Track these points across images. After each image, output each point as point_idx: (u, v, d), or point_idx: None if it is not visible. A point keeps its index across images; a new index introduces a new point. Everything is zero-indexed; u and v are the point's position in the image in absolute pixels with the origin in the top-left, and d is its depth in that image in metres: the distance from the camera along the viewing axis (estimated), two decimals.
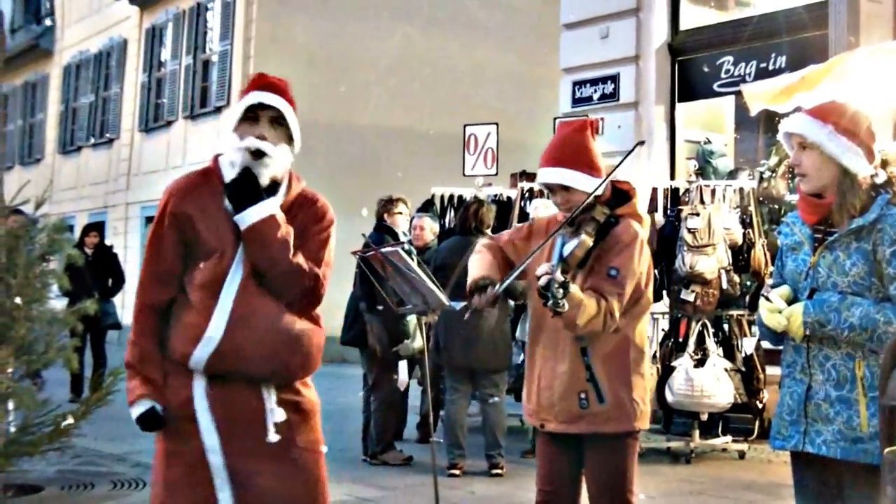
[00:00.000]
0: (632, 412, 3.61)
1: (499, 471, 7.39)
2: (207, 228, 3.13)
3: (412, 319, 7.55)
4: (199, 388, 3.11)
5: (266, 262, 3.11)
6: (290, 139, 3.22)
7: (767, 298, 3.17)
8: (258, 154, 3.12)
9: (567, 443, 3.70)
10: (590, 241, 3.56)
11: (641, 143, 4.11)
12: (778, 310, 3.13)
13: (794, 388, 3.17)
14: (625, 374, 3.61)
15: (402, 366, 7.92)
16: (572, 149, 3.71)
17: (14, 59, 25.52)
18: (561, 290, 3.28)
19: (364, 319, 7.78)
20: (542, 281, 3.31)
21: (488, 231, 7.75)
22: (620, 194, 3.76)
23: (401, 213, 8.00)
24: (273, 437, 3.10)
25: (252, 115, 3.17)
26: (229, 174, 3.17)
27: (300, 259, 3.14)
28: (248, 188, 3.12)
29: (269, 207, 3.12)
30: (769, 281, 3.26)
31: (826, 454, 3.07)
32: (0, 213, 6.08)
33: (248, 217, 3.10)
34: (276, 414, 3.12)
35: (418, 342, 7.64)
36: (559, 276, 3.30)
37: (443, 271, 7.44)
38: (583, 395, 3.58)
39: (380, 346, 7.70)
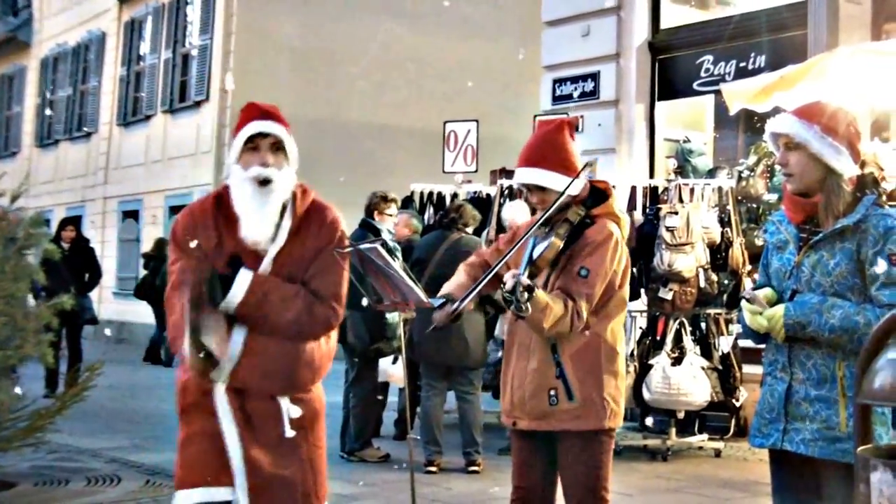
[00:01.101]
0: (602, 410, 3.62)
1: (476, 468, 7.39)
2: (218, 258, 3.29)
3: (394, 317, 7.54)
4: (220, 392, 3.27)
5: (272, 328, 3.26)
6: (288, 160, 3.36)
7: (749, 300, 3.18)
8: (265, 182, 3.26)
9: (540, 441, 3.71)
10: (559, 243, 3.58)
11: (589, 164, 4.13)
12: (759, 311, 3.14)
13: (775, 387, 3.18)
14: (596, 373, 3.62)
15: (385, 362, 7.91)
16: (549, 149, 3.71)
17: None
18: (525, 294, 3.33)
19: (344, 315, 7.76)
20: (508, 285, 3.35)
21: (467, 229, 7.76)
22: (598, 193, 3.77)
23: (391, 214, 7.98)
24: (290, 432, 3.27)
25: (252, 146, 3.30)
26: (241, 207, 3.29)
27: (311, 296, 3.32)
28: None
29: (244, 277, 3.25)
30: (748, 280, 3.28)
31: (805, 453, 3.08)
32: None
33: (234, 298, 3.21)
34: (293, 411, 3.29)
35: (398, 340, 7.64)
36: (524, 280, 3.35)
37: (419, 265, 7.45)
38: (552, 393, 3.60)
39: (360, 343, 7.68)
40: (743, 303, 3.23)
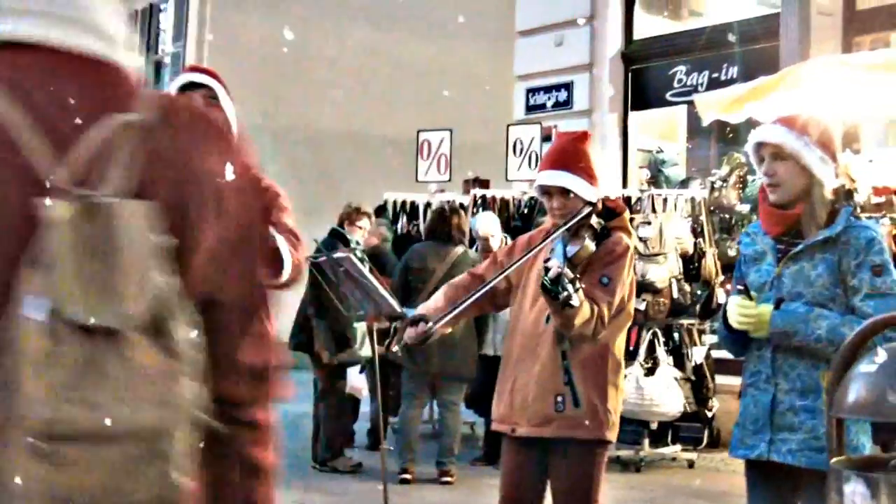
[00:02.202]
0: (604, 421, 3.63)
1: (449, 478, 7.36)
2: None
3: (360, 326, 7.51)
4: None
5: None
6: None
7: (745, 291, 3.14)
8: None
9: (535, 449, 3.69)
10: (592, 246, 3.63)
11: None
12: (752, 304, 3.12)
13: (759, 398, 3.17)
14: (601, 383, 3.64)
15: (352, 372, 7.87)
16: (574, 155, 3.75)
17: None
18: (571, 285, 3.29)
19: (312, 325, 7.71)
20: (552, 273, 3.28)
21: (464, 241, 7.79)
22: (609, 211, 3.82)
23: (362, 227, 7.96)
24: None
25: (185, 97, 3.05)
26: None
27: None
28: None
29: None
30: (720, 291, 3.27)
31: (792, 463, 3.08)
32: None
33: None
34: None
35: (366, 349, 7.59)
36: (569, 272, 3.31)
37: (420, 274, 7.40)
38: (559, 399, 3.59)
39: (327, 353, 7.64)
40: (733, 297, 3.18)
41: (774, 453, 3.11)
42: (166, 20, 19.62)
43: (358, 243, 7.91)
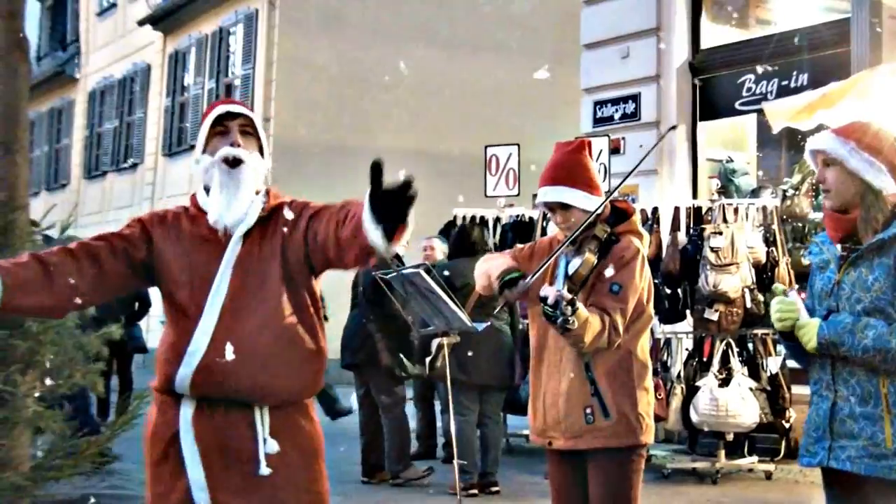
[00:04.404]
0: (637, 426, 3.64)
1: (495, 489, 7.41)
2: (176, 257, 3.00)
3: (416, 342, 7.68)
4: (186, 416, 2.91)
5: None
6: (260, 150, 3.09)
7: (785, 294, 3.18)
8: (235, 163, 2.98)
9: (574, 460, 3.72)
10: (593, 259, 3.63)
11: (674, 127, 4.11)
12: (792, 309, 3.14)
13: (820, 405, 3.17)
14: (629, 389, 3.65)
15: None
16: (570, 168, 3.77)
17: (40, 85, 25.82)
18: (570, 308, 3.34)
19: (373, 341, 7.78)
20: (551, 300, 3.34)
21: (488, 248, 7.92)
22: (619, 213, 3.82)
23: None
24: (265, 469, 2.86)
25: (221, 129, 3.04)
26: (211, 194, 3.01)
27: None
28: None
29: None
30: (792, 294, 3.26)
31: (850, 470, 3.06)
32: (26, 239, 6.13)
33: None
34: (269, 444, 2.88)
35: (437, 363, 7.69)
36: (567, 294, 3.36)
37: (464, 290, 7.47)
38: (588, 410, 3.61)
39: (394, 364, 7.73)
40: (777, 299, 3.18)
41: (833, 460, 3.10)
42: (235, 43, 19.99)
43: (399, 256, 8.01)
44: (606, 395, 3.60)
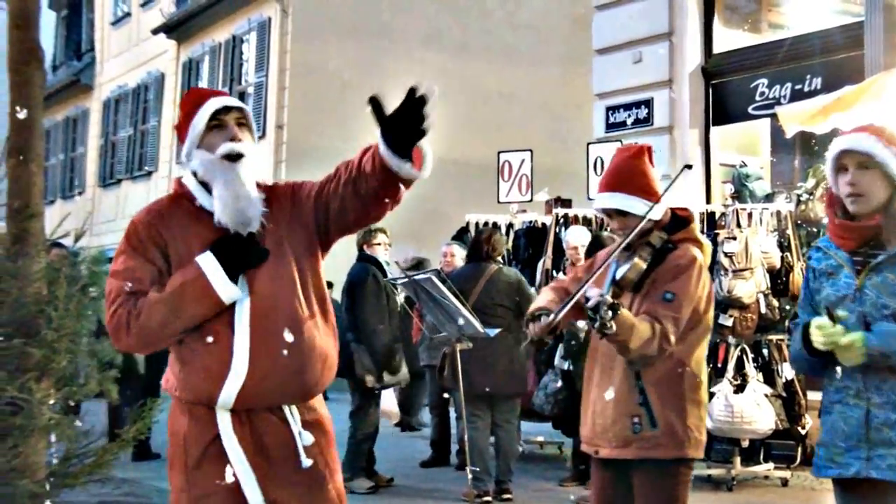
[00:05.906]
0: (684, 439, 3.57)
1: (509, 496, 7.38)
2: (190, 257, 2.98)
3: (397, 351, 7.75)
4: (225, 424, 2.97)
5: None
6: (253, 139, 3.13)
7: (832, 316, 2.98)
8: (237, 158, 2.99)
9: (619, 469, 3.66)
10: (643, 264, 3.58)
11: (689, 166, 4.09)
12: (838, 331, 2.98)
13: (850, 414, 3.09)
14: (678, 401, 3.58)
15: (386, 396, 7.98)
16: (628, 174, 3.73)
17: (55, 94, 25.96)
18: (609, 312, 3.29)
19: (350, 349, 7.75)
20: (591, 303, 3.31)
21: (499, 259, 7.83)
22: (679, 220, 3.76)
23: (379, 243, 8.05)
24: (306, 462, 3.00)
25: (217, 123, 3.04)
26: (215, 193, 3.01)
27: None
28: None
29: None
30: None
31: (894, 479, 3.00)
32: (41, 247, 6.15)
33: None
34: (305, 437, 3.01)
35: (403, 372, 7.86)
36: (608, 299, 3.32)
37: (465, 294, 7.47)
38: (636, 420, 3.55)
39: (371, 377, 7.69)
40: (816, 321, 3.03)
41: (874, 470, 3.03)
42: (248, 51, 20.05)
43: (387, 263, 8.02)
44: (655, 404, 3.54)
